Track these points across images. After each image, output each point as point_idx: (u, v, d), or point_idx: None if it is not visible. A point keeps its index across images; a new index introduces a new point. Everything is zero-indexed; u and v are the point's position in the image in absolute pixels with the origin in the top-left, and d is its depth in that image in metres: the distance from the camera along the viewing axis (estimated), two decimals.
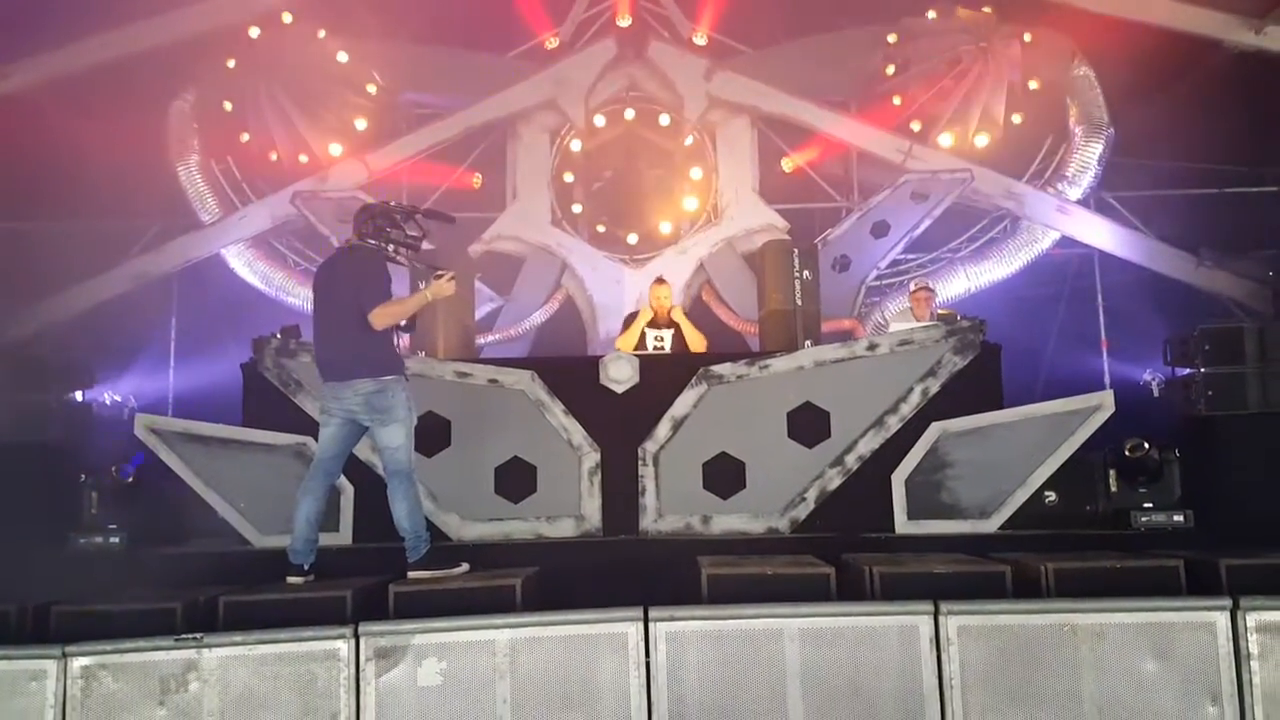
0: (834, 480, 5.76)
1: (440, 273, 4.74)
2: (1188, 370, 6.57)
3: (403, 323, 4.77)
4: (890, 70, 9.93)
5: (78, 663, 3.82)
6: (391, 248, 4.78)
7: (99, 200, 9.20)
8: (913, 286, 7.67)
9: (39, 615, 4.22)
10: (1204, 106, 8.59)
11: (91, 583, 4.85)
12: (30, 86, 9.19)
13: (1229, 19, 9.06)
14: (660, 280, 7.54)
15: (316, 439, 5.82)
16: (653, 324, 7.20)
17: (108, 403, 8.33)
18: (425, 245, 4.97)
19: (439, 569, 4.63)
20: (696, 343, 7.16)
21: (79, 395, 7.43)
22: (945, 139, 9.78)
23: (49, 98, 9.15)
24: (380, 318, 4.57)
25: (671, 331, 7.15)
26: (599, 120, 9.96)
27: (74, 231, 9.47)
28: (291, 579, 4.67)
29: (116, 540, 5.84)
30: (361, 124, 9.98)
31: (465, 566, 4.72)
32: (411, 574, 4.60)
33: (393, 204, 4.96)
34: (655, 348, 7.04)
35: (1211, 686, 3.82)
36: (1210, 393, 6.26)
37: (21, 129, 8.80)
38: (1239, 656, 3.83)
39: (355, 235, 4.78)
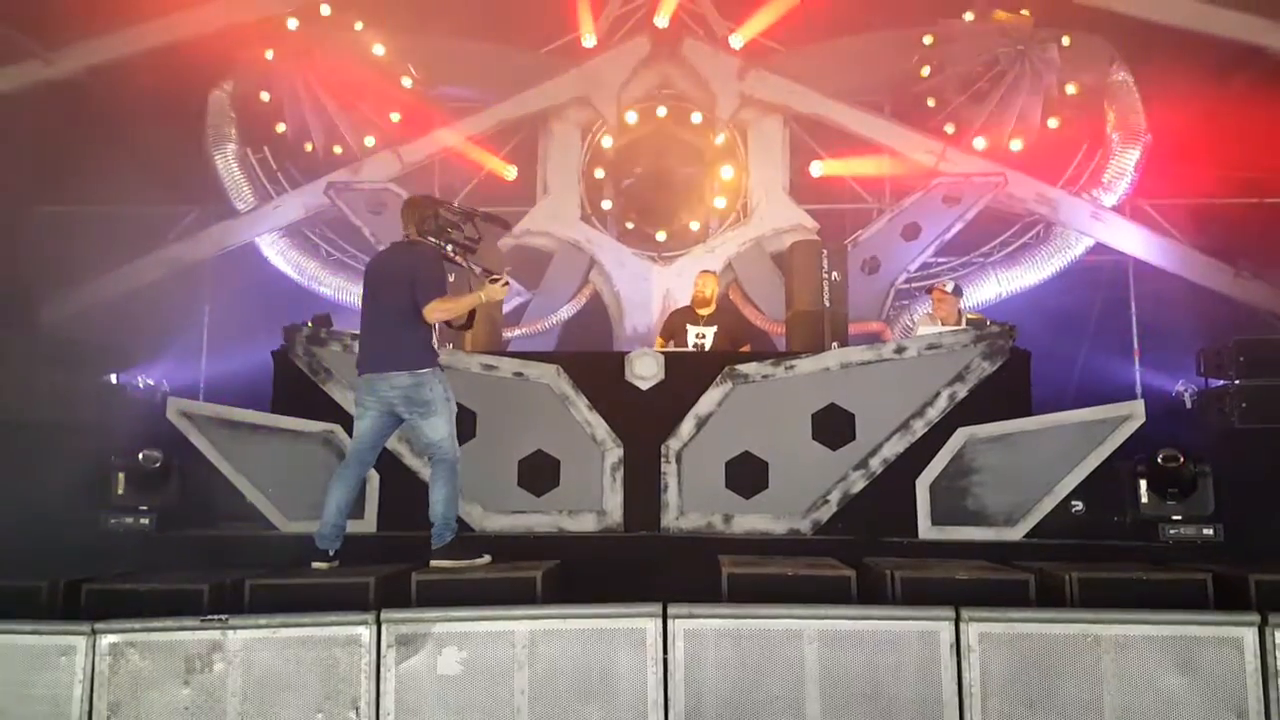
0: (858, 483, 5.73)
1: (495, 276, 4.82)
2: (1221, 382, 6.48)
3: (461, 321, 4.84)
4: (925, 72, 9.83)
5: (106, 640, 3.89)
6: (450, 247, 4.83)
7: (137, 187, 9.35)
8: (928, 287, 7.48)
9: (70, 592, 4.30)
10: (1244, 113, 8.43)
11: (122, 562, 4.94)
12: (74, 73, 9.36)
13: (1271, 25, 8.88)
14: (708, 270, 7.55)
15: (345, 427, 5.90)
16: (693, 320, 7.19)
17: (141, 386, 8.47)
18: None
19: (461, 559, 4.66)
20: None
21: (113, 378, 7.58)
22: (979, 142, 9.67)
23: (91, 85, 9.32)
24: (435, 312, 4.63)
25: (714, 330, 7.13)
26: (631, 117, 9.96)
27: (113, 217, 9.63)
28: (317, 564, 4.73)
29: (146, 521, 5.94)
30: (396, 116, 10.07)
31: (488, 558, 4.76)
32: (434, 563, 4.64)
33: (454, 204, 5.01)
34: (696, 344, 7.03)
35: (1237, 704, 3.76)
36: (1244, 405, 6.18)
37: (65, 115, 8.98)
38: (1266, 674, 3.76)
39: (414, 230, 4.81)
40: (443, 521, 4.70)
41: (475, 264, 4.93)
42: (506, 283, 4.85)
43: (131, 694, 3.87)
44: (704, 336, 7.06)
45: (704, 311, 7.22)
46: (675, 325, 7.30)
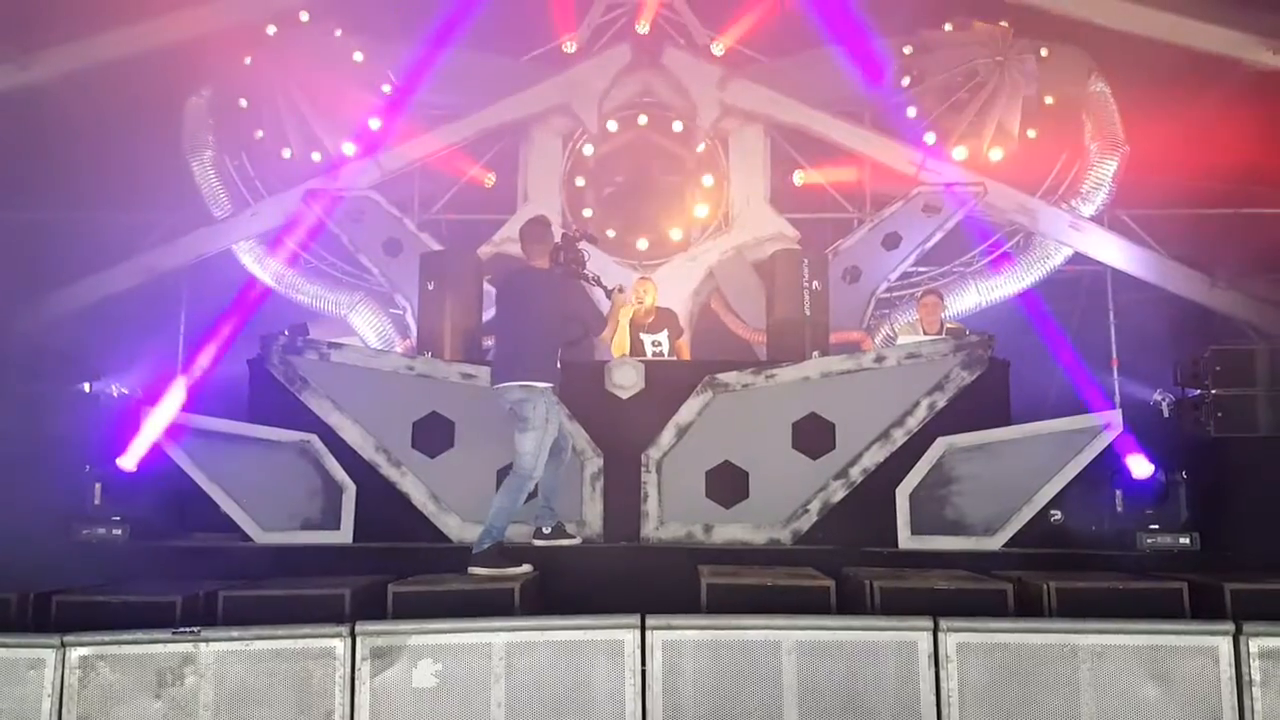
0: (838, 493, 5.74)
1: (621, 288, 5.58)
2: (1197, 391, 6.53)
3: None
4: (905, 82, 9.90)
5: (76, 652, 3.82)
6: (587, 271, 5.42)
7: (114, 193, 9.25)
8: (920, 294, 7.55)
9: (40, 604, 4.24)
10: (1221, 125, 8.53)
11: (95, 574, 4.86)
12: (50, 78, 9.25)
13: (1247, 38, 9.00)
14: (645, 277, 7.52)
15: (322, 437, 5.86)
16: (645, 328, 7.14)
17: (115, 395, 8.35)
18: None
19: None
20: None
21: (87, 386, 7.48)
22: (959, 152, 9.74)
23: (68, 90, 9.21)
24: (605, 337, 5.31)
25: (666, 333, 7.10)
26: (612, 125, 9.96)
27: (88, 224, 9.52)
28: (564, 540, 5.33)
29: (119, 532, 5.87)
30: (375, 123, 10.01)
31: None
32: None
33: (577, 233, 5.50)
34: (655, 353, 7.01)
35: (1212, 712, 3.77)
36: (1220, 415, 6.23)
37: (41, 120, 8.87)
38: (1241, 683, 3.78)
39: (544, 258, 5.20)
40: (486, 527, 4.81)
41: (601, 283, 5.50)
42: (622, 289, 5.59)
43: (101, 708, 3.80)
44: (660, 344, 7.05)
45: (649, 319, 7.16)
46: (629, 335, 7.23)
